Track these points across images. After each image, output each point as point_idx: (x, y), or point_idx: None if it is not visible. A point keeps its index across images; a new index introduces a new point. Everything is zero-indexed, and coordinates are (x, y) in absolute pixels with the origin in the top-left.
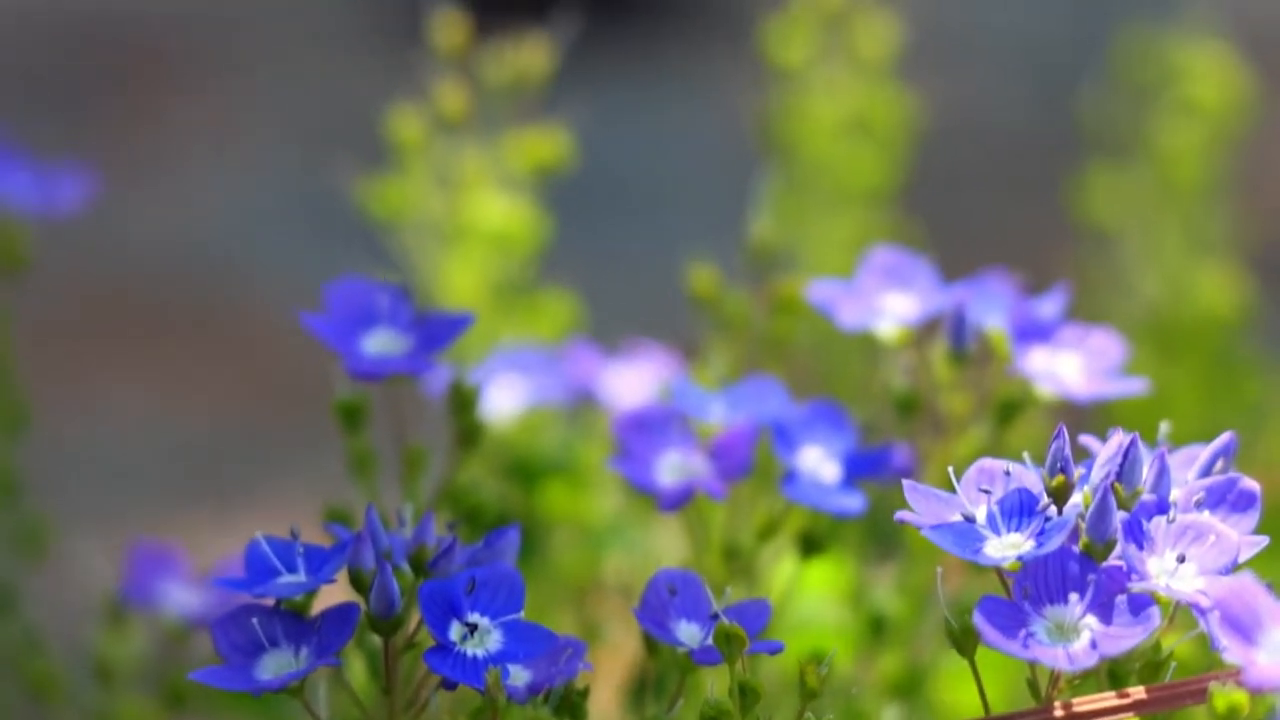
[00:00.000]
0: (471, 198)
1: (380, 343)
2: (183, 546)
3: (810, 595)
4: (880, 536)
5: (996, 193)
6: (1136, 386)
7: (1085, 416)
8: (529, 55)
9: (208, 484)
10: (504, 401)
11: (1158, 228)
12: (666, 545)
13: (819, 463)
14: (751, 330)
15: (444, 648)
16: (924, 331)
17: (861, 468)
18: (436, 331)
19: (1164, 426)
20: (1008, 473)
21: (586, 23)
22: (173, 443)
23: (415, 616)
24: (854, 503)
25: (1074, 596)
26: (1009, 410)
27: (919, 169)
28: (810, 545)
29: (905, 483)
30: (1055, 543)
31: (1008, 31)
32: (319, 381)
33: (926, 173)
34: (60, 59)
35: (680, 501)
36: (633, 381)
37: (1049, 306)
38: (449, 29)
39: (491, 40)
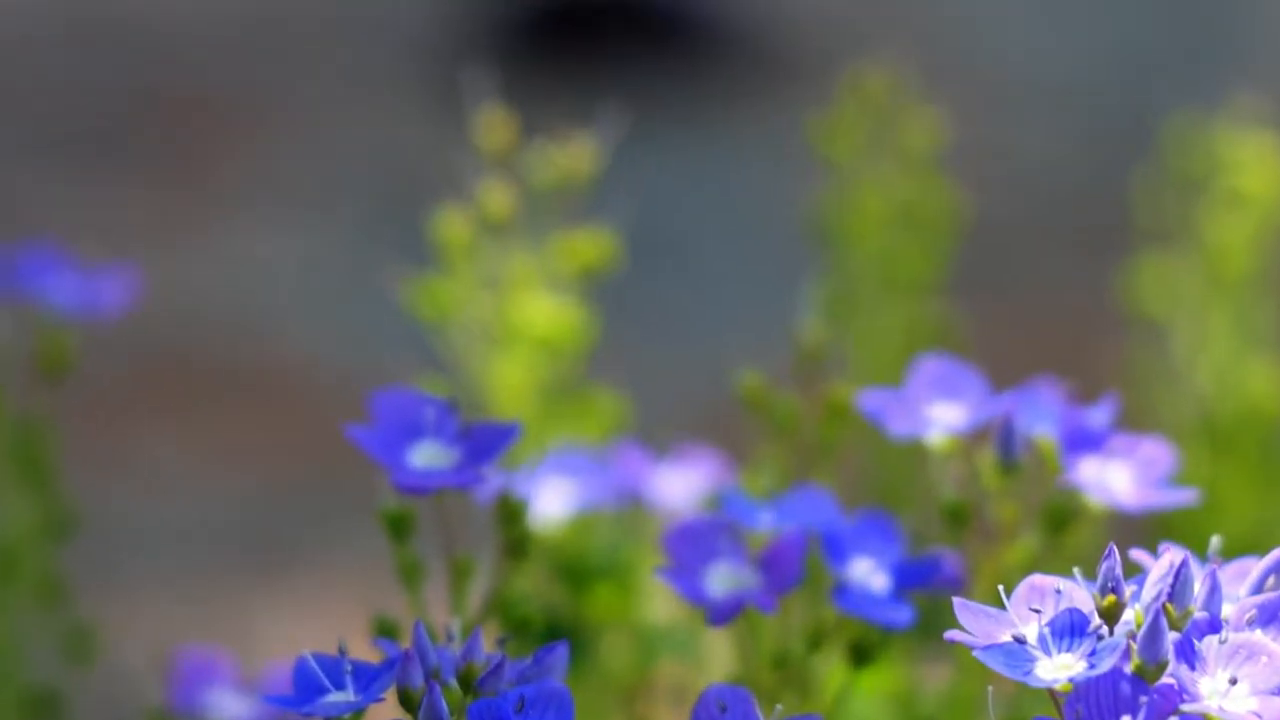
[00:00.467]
0: (518, 298)
1: (427, 455)
2: (231, 613)
3: (861, 699)
4: (931, 641)
5: (1043, 253)
6: (1186, 497)
7: (1137, 518)
8: (575, 155)
9: (257, 548)
10: (552, 505)
11: (1207, 319)
12: (718, 649)
13: (869, 574)
14: (801, 434)
15: None
16: (973, 439)
17: (911, 578)
18: (484, 443)
19: (1215, 541)
20: (1059, 591)
21: (636, 64)
22: (220, 506)
23: None
24: (904, 615)
25: (1126, 718)
26: (1059, 520)
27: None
28: (861, 655)
29: (956, 601)
30: (1107, 664)
31: (1051, 78)
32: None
33: (970, 229)
34: (108, 110)
35: (730, 614)
36: (682, 485)
37: (1098, 416)
38: (494, 129)
39: (537, 115)
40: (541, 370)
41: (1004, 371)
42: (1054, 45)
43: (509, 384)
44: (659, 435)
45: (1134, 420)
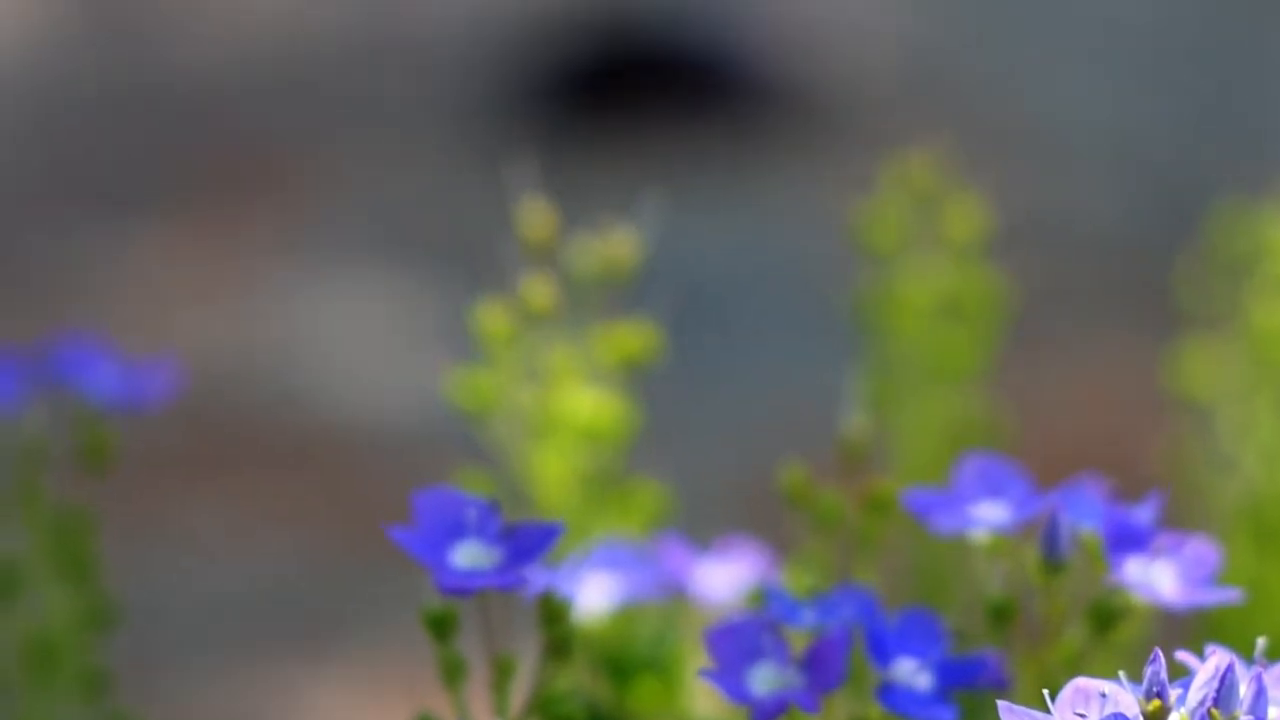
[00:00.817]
0: (560, 389)
1: (470, 556)
2: (276, 694)
3: None
4: None
5: (1088, 325)
6: (1232, 596)
7: (1183, 615)
8: (617, 245)
9: (302, 624)
10: (595, 599)
11: (1253, 404)
12: None
13: (913, 673)
14: (844, 528)
15: None
16: (1018, 536)
17: (956, 677)
18: (527, 544)
19: (1261, 642)
20: (1104, 695)
21: (675, 119)
22: (264, 578)
23: None
24: (948, 715)
25: None
26: (1104, 619)
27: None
28: None
29: (1000, 704)
30: None
31: (1099, 137)
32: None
33: (1011, 283)
34: (149, 167)
35: (774, 714)
36: (725, 578)
37: (1143, 514)
38: (536, 223)
39: (577, 172)
40: (583, 461)
41: (1048, 451)
42: (1103, 102)
43: (550, 474)
44: (703, 515)
45: (1180, 505)
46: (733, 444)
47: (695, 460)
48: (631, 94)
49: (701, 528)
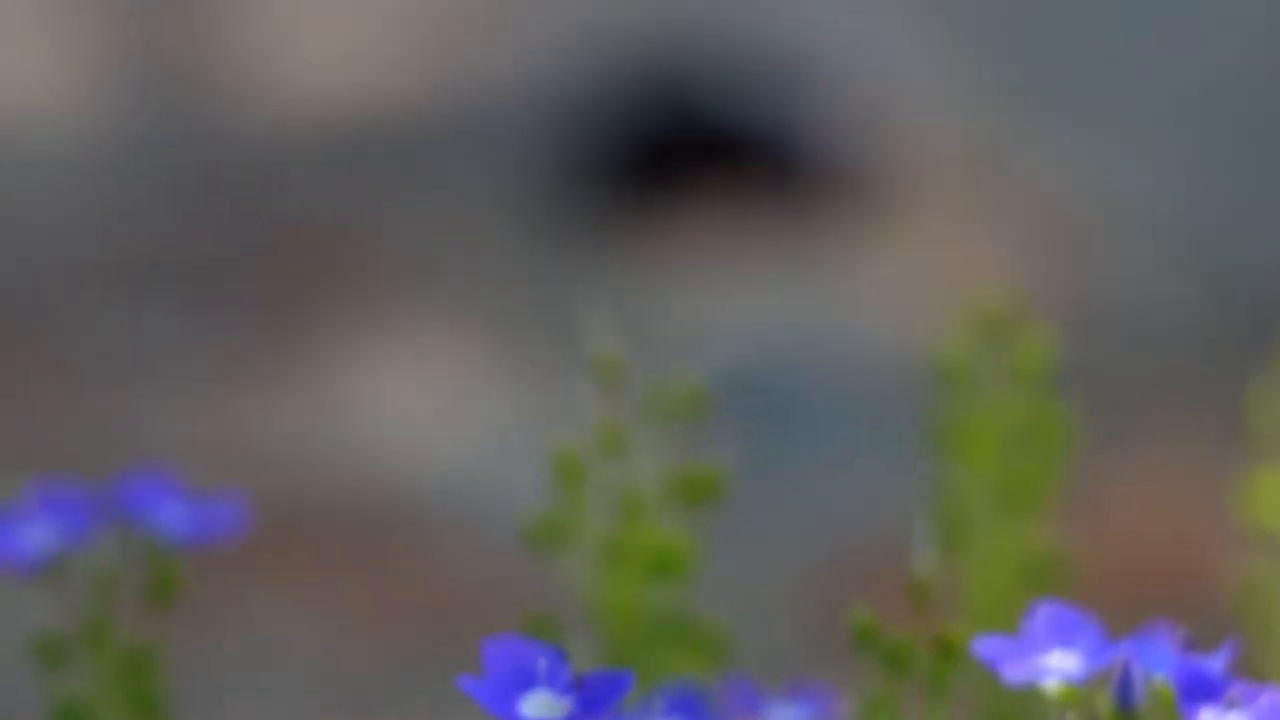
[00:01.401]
0: (629, 523)
1: (539, 705)
2: None
3: None
4: None
5: (1152, 406)
6: None
7: None
8: (686, 383)
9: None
10: None
11: None
12: None
13: None
14: (915, 670)
15: None
16: (1090, 684)
17: None
18: (597, 693)
19: None
20: None
21: (735, 197)
22: (335, 673)
23: None
24: None
25: None
26: None
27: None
28: None
29: None
30: None
31: (1161, 215)
32: (494, 612)
33: (1074, 373)
34: (210, 247)
35: None
36: None
37: (1216, 663)
38: (605, 364)
39: (640, 249)
40: (651, 596)
41: (1112, 557)
42: (1167, 179)
43: (618, 609)
44: (767, 636)
45: (1252, 641)
46: (796, 558)
47: (758, 574)
48: (693, 172)
49: (766, 652)
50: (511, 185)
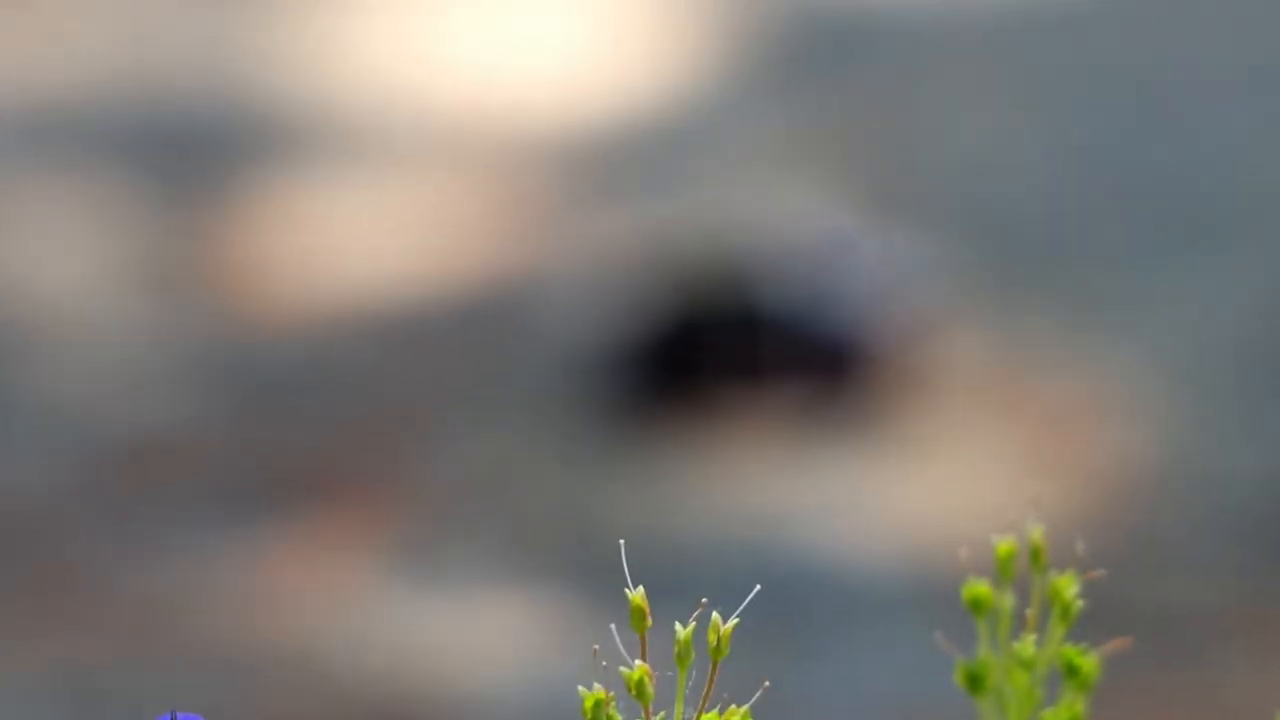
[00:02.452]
0: None
1: None
2: None
3: None
4: None
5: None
6: None
7: None
8: (715, 636)
9: None
10: None
11: None
12: None
13: None
14: None
15: None
16: None
17: None
18: None
19: None
20: None
21: (769, 380)
22: None
23: None
24: None
25: None
26: None
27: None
28: None
29: None
30: None
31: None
32: None
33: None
34: (260, 458)
35: None
36: None
37: None
38: (637, 614)
39: (675, 440)
40: None
41: None
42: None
43: None
44: None
45: None
46: None
47: None
48: (724, 354)
49: None
50: (548, 387)
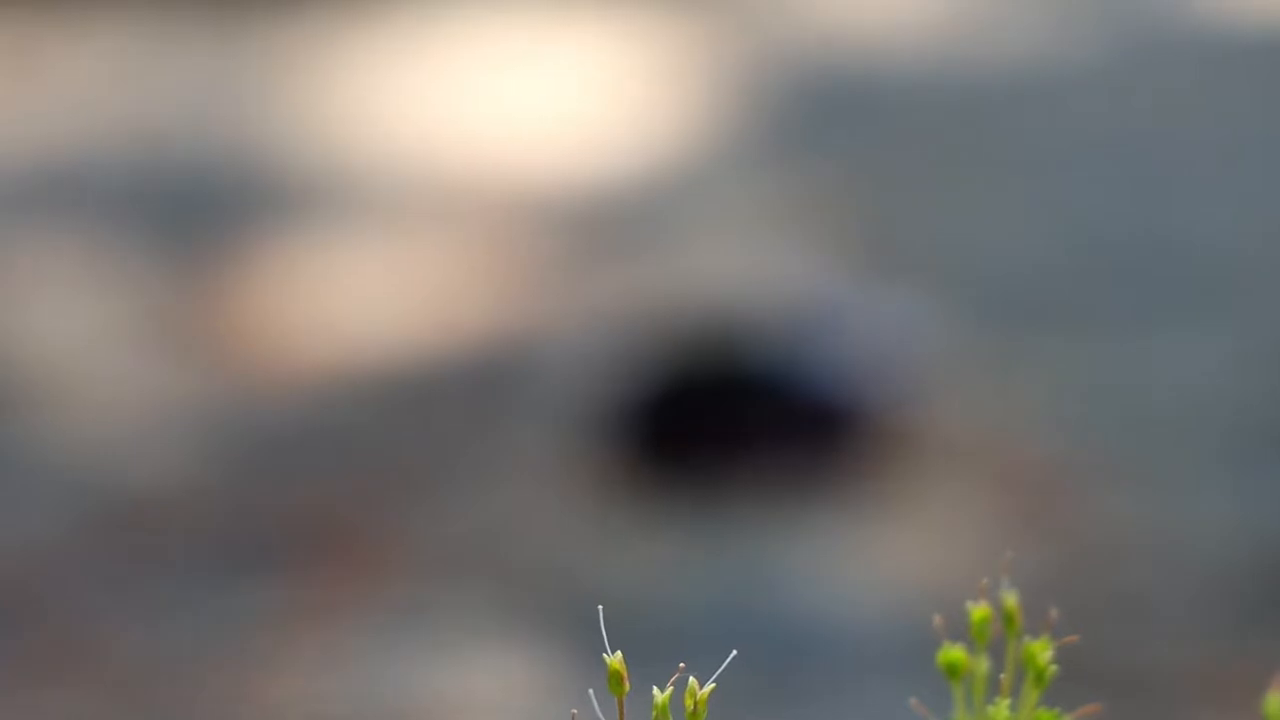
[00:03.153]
0: None
1: None
2: None
3: None
4: None
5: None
6: None
7: None
8: (693, 700)
9: None
10: None
11: None
12: None
13: None
14: None
15: None
16: None
17: None
18: None
19: None
20: None
21: (761, 442)
22: None
23: None
24: None
25: None
26: None
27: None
28: None
29: None
30: None
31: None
32: None
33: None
34: (260, 518)
35: None
36: None
37: None
38: (614, 679)
39: (670, 501)
40: None
41: None
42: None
43: None
44: None
45: None
46: None
47: None
48: (717, 415)
49: None
50: (547, 447)
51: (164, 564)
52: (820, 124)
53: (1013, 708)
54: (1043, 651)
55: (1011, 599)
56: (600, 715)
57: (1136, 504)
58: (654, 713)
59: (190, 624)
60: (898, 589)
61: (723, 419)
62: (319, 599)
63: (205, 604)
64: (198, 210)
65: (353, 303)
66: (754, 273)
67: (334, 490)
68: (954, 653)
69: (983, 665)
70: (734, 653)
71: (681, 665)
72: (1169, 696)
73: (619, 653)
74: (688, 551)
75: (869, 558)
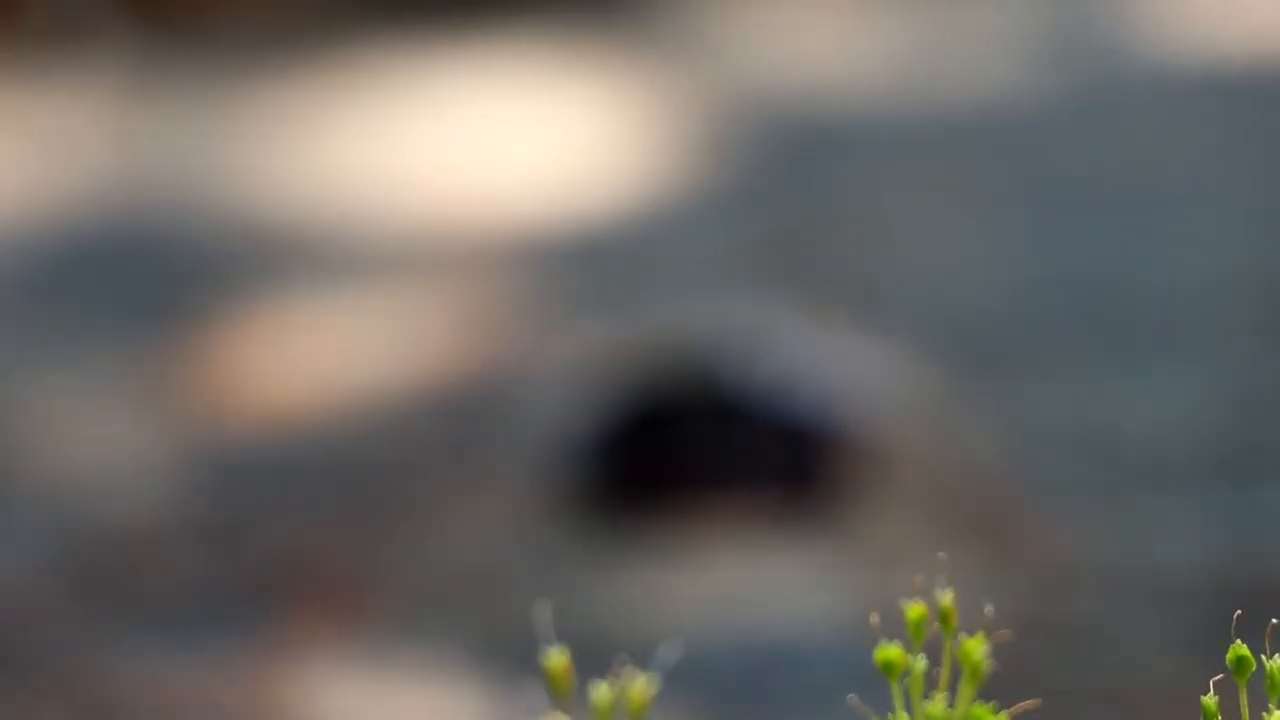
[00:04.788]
0: None
1: None
2: None
3: None
4: None
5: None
6: None
7: None
8: (637, 691)
9: None
10: None
11: None
12: None
13: None
14: None
15: None
16: None
17: None
18: None
19: None
20: None
21: (727, 463)
22: None
23: None
24: None
25: None
26: None
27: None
28: None
29: None
30: None
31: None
32: None
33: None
34: (226, 581)
35: None
36: None
37: None
38: (558, 676)
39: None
40: None
41: None
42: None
43: None
44: None
45: None
46: None
47: None
48: (684, 458)
49: None
50: (509, 485)
51: (139, 605)
52: (789, 169)
53: (949, 703)
54: (977, 648)
55: (947, 597)
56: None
57: (1094, 536)
58: (596, 711)
59: (169, 664)
60: (859, 617)
61: (694, 454)
62: (296, 639)
63: (184, 644)
64: (177, 262)
65: (329, 347)
66: (724, 314)
67: (311, 532)
68: (890, 650)
69: (919, 663)
70: (678, 653)
71: (622, 661)
72: (1122, 714)
73: (558, 652)
74: (664, 581)
75: (832, 586)
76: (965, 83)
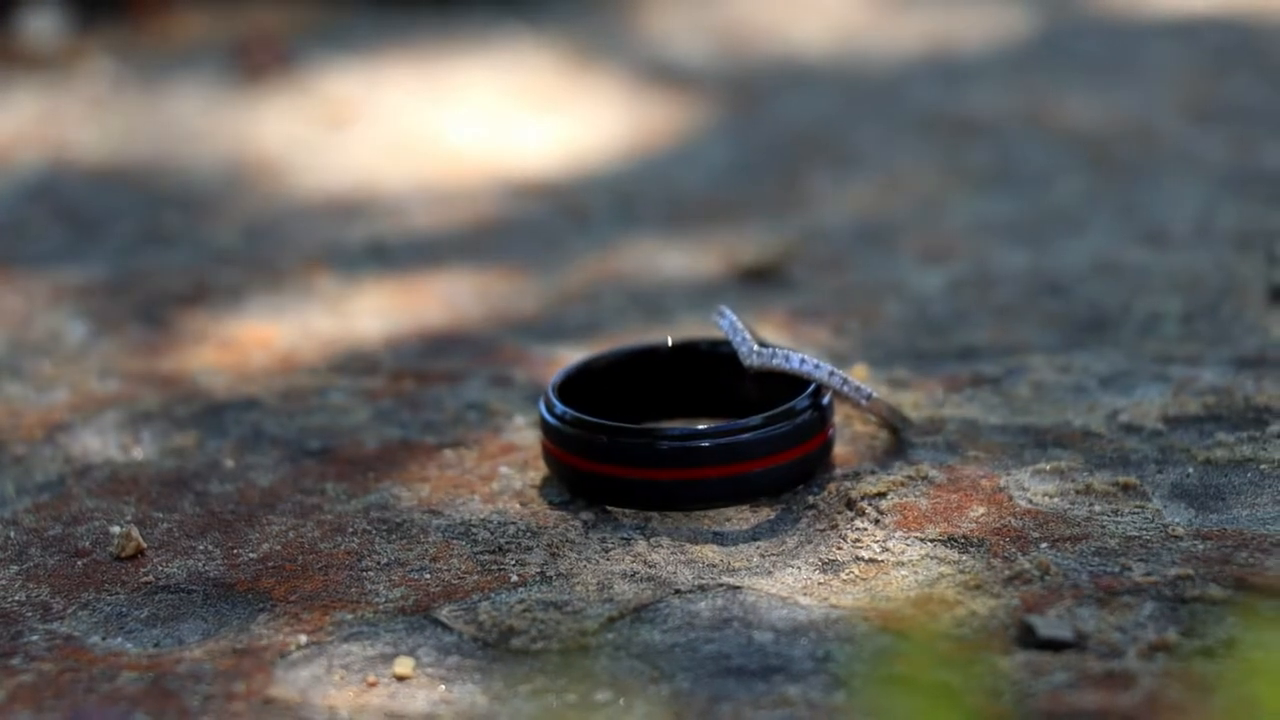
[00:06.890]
0: None
1: None
2: None
3: None
4: None
5: None
6: None
7: None
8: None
9: None
10: None
11: None
12: None
13: None
14: None
15: None
16: None
17: None
18: None
19: None
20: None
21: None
22: None
23: None
24: None
25: None
26: None
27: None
28: None
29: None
30: None
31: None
32: None
33: None
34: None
35: None
36: None
37: None
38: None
39: None
40: None
41: None
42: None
43: None
44: None
45: None
46: None
47: None
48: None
49: None
50: None
51: (118, 604)
52: (741, 124)
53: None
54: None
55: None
56: None
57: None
58: None
59: (159, 656)
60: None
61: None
62: (265, 647)
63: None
64: (144, 281)
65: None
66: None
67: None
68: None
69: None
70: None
71: None
72: None
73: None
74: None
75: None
76: (904, 29)
